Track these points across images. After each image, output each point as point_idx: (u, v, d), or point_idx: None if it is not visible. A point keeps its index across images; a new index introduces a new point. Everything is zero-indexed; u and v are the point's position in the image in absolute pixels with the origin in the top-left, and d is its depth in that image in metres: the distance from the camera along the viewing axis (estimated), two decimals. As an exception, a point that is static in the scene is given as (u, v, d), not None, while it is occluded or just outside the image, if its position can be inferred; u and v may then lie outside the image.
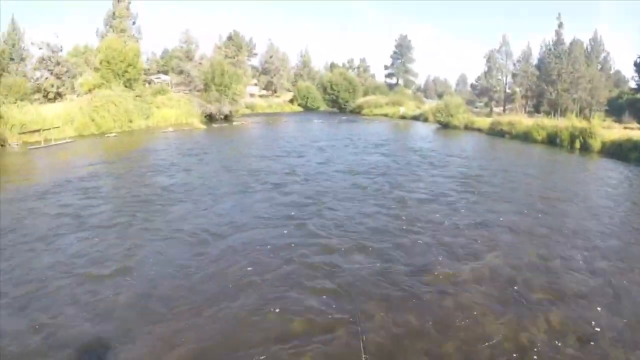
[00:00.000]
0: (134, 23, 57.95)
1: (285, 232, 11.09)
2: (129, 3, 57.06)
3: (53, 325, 6.65)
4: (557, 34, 58.91)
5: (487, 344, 6.35)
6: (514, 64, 67.90)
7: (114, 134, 35.28)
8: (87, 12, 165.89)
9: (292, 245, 10.14)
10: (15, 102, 34.68)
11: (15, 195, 14.57)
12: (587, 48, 65.39)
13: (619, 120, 48.44)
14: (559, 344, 6.34)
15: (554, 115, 47.20)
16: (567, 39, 59.52)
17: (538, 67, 63.46)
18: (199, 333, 6.49)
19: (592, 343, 6.38)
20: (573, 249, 10.18)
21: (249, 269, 8.77)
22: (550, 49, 59.51)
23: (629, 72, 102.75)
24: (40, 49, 45.76)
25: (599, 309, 7.41)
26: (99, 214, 12.59)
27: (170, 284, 8.11)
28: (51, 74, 45.16)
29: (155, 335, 6.45)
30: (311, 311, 7.18)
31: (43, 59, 45.60)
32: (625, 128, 37.76)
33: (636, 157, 25.33)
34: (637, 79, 55.15)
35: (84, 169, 19.70)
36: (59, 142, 29.99)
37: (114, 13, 55.80)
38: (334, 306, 7.34)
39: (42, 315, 6.90)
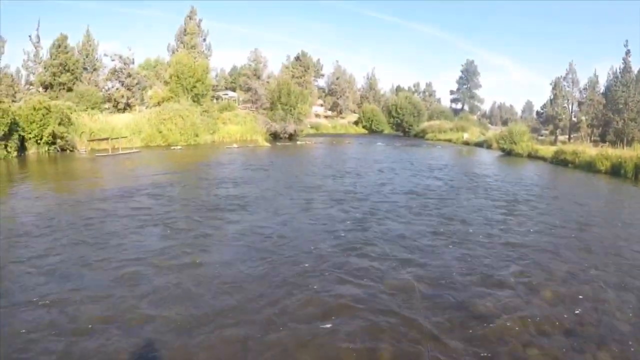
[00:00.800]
0: (204, 40, 58.74)
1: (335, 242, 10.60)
2: (200, 21, 57.99)
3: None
4: (625, 61, 55.74)
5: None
6: (580, 92, 64.85)
7: (179, 147, 34.61)
8: (160, 27, 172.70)
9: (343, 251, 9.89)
10: (86, 110, 34.84)
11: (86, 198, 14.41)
12: (655, 76, 61.87)
13: None
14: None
15: (620, 145, 43.97)
16: (635, 67, 56.35)
17: (605, 95, 60.23)
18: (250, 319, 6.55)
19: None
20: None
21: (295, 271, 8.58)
22: (617, 77, 56.36)
23: None
24: (112, 60, 46.67)
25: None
26: (164, 219, 12.12)
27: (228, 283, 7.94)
28: (122, 85, 45.84)
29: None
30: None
31: (115, 70, 46.40)
32: (693, 158, 35.09)
33: None
34: None
35: (150, 178, 18.67)
36: (125, 151, 29.49)
37: (185, 29, 56.68)
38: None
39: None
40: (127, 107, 45.34)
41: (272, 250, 9.74)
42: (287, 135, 51.24)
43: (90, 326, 6.11)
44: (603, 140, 54.76)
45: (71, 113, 30.46)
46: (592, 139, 59.54)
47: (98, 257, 8.91)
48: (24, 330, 5.90)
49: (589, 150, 36.79)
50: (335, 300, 7.26)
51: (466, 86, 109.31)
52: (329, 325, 6.44)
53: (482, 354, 5.82)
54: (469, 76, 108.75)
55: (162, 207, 13.56)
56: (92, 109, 37.00)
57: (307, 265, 8.91)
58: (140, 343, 5.79)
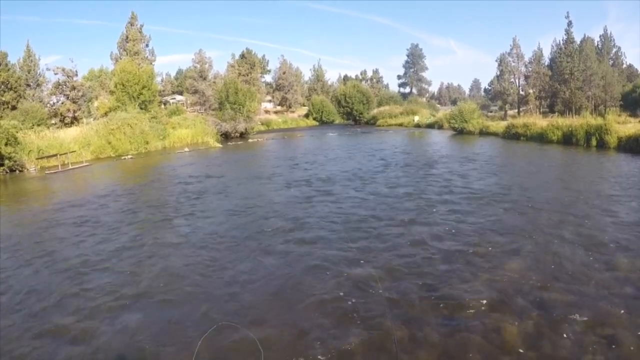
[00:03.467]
0: (147, 45, 58.68)
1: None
2: (142, 26, 57.87)
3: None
4: (567, 33, 58.63)
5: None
6: (526, 66, 67.49)
7: (130, 156, 35.13)
8: (102, 36, 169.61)
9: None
10: (32, 128, 34.86)
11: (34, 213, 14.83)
12: (597, 45, 65.67)
13: (634, 114, 48.20)
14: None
15: (569, 114, 46.51)
16: (578, 38, 59.55)
17: (550, 67, 63.10)
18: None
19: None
20: (591, 248, 9.58)
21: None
22: (561, 49, 59.16)
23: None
24: (55, 74, 46.35)
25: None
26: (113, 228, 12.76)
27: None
28: (67, 98, 45.64)
29: None
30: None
31: (59, 84, 46.13)
32: (641, 122, 37.03)
33: (655, 150, 24.45)
34: (650, 71, 54.06)
35: (100, 190, 19.45)
36: (76, 165, 29.93)
37: (127, 36, 56.50)
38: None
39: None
40: (74, 120, 45.24)
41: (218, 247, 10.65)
42: (238, 134, 52.14)
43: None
44: (552, 111, 58.07)
45: (17, 132, 30.46)
46: (541, 110, 62.79)
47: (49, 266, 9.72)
48: None
49: (539, 122, 38.65)
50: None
51: (413, 70, 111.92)
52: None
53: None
54: (414, 60, 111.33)
55: (111, 217, 14.24)
56: (39, 125, 37.00)
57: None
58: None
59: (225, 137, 50.63)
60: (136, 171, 26.85)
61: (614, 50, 69.69)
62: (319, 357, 5.81)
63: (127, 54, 54.98)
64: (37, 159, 30.06)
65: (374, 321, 6.70)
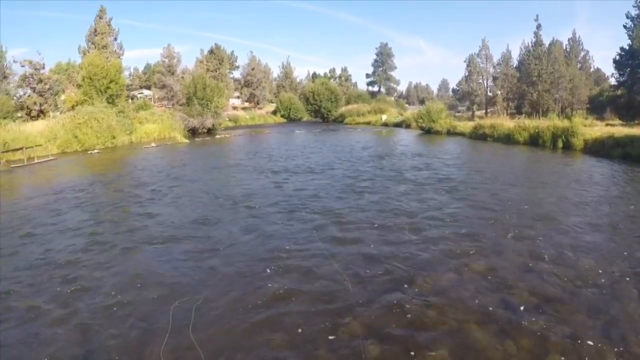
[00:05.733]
0: (115, 39, 58.74)
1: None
2: (111, 19, 57.98)
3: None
4: (536, 35, 60.55)
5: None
6: (494, 67, 69.13)
7: (96, 151, 35.70)
8: (70, 29, 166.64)
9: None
10: (-2, 121, 34.98)
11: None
12: (566, 48, 67.37)
13: (600, 117, 49.18)
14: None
15: (536, 116, 47.51)
16: (546, 40, 61.52)
17: (518, 69, 64.73)
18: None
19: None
20: (557, 246, 10.10)
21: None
22: (529, 51, 60.92)
23: (608, 69, 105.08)
24: (22, 66, 46.27)
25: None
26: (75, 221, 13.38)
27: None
28: (34, 91, 45.66)
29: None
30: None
31: (26, 77, 46.07)
32: (607, 125, 38.38)
33: (618, 153, 25.33)
34: (616, 76, 55.79)
35: (65, 184, 20.13)
36: (41, 160, 30.42)
37: (95, 30, 56.47)
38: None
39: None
40: (41, 113, 45.34)
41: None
42: (205, 130, 52.98)
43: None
44: (519, 113, 59.13)
45: (-18, 125, 30.78)
46: (509, 112, 63.92)
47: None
48: None
49: (506, 123, 38.92)
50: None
51: (381, 69, 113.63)
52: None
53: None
54: (383, 59, 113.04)
55: (79, 209, 14.95)
56: (4, 118, 37.20)
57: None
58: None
59: (193, 132, 51.42)
60: (103, 165, 27.61)
61: (582, 54, 71.09)
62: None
63: (95, 48, 55.01)
64: (1, 152, 30.29)
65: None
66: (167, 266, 9.50)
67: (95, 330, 6.80)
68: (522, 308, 7.17)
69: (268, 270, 8.99)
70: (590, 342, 6.10)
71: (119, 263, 9.74)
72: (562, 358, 5.80)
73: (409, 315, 6.99)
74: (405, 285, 8.13)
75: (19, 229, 12.71)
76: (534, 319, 6.75)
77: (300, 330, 6.62)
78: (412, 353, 5.98)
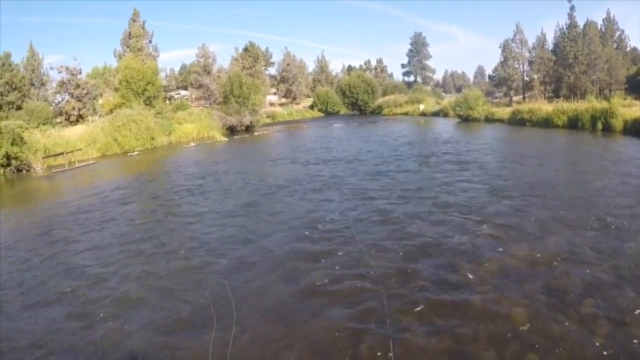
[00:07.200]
0: (150, 42, 58.44)
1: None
2: (144, 22, 57.60)
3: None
4: (570, 17, 58.13)
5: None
6: (530, 51, 66.94)
7: (136, 152, 35.07)
8: (105, 34, 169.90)
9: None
10: (38, 127, 34.80)
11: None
12: (601, 28, 65.15)
13: (639, 97, 47.19)
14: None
15: (574, 99, 46.16)
16: (581, 21, 59.08)
17: (554, 52, 62.45)
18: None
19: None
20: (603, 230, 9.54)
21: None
22: (564, 33, 58.64)
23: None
24: (59, 73, 46.27)
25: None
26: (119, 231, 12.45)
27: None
28: (72, 96, 45.56)
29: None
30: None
31: (63, 83, 46.05)
32: (646, 104, 36.84)
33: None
34: (654, 54, 53.41)
35: (109, 187, 19.40)
36: (82, 163, 29.86)
37: (129, 33, 56.26)
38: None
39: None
40: (80, 118, 45.21)
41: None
42: (244, 128, 51.98)
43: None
44: (557, 96, 57.16)
45: (23, 132, 30.48)
46: (546, 95, 62.19)
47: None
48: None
49: (544, 107, 38.56)
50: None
51: (416, 58, 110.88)
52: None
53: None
54: (418, 48, 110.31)
55: (126, 208, 14.68)
56: (44, 124, 37.02)
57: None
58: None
59: (231, 130, 50.46)
60: (145, 166, 26.81)
61: (618, 33, 68.80)
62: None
63: (130, 51, 54.72)
64: (43, 157, 29.96)
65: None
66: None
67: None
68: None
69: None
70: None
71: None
72: None
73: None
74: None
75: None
76: None
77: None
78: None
